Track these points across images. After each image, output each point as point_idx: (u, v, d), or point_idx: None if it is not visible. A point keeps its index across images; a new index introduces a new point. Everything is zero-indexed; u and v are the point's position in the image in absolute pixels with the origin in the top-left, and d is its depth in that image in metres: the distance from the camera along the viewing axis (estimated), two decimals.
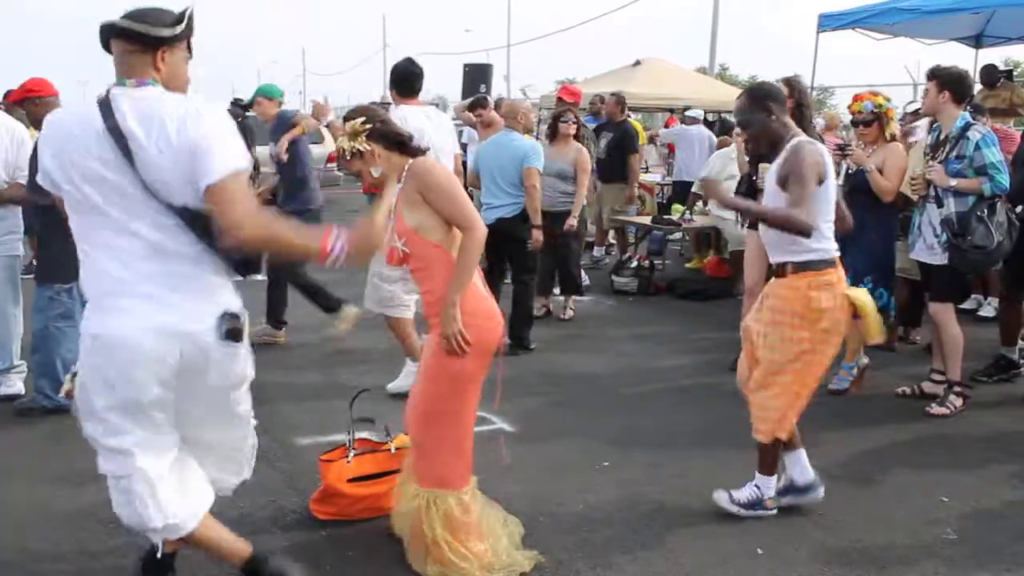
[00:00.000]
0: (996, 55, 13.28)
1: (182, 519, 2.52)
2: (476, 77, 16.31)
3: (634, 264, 8.21)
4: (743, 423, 3.55)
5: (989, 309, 6.85)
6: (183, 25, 2.41)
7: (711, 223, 8.30)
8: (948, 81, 4.67)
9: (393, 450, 3.45)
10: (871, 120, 5.00)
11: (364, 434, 3.53)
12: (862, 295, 3.41)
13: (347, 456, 3.40)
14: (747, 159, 5.51)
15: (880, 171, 4.91)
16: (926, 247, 4.85)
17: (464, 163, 6.49)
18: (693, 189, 8.98)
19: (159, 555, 2.64)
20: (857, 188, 4.90)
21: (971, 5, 8.00)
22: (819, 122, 8.90)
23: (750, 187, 5.21)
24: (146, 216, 2.35)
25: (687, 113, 11.14)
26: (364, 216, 2.56)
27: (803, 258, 3.30)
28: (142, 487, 2.45)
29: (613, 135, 8.73)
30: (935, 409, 4.77)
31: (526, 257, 6.00)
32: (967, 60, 9.87)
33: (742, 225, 5.80)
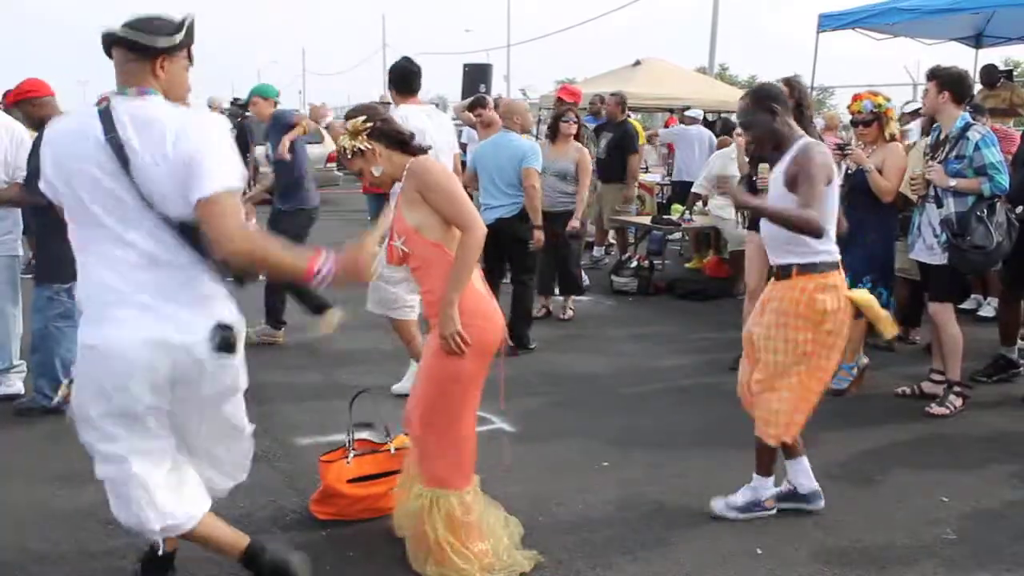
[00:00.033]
0: (996, 55, 13.30)
1: (181, 520, 2.52)
2: (476, 77, 16.33)
3: (634, 264, 8.21)
4: (743, 423, 3.55)
5: (989, 309, 6.85)
6: (183, 34, 2.42)
7: (711, 223, 8.30)
8: (948, 81, 4.68)
9: (393, 451, 3.45)
10: (871, 120, 4.99)
11: (364, 434, 3.53)
12: (863, 294, 3.41)
13: (347, 457, 3.40)
14: (747, 159, 5.51)
15: (880, 171, 4.90)
16: (926, 247, 4.85)
17: (463, 163, 6.49)
18: (693, 189, 8.96)
19: (160, 553, 2.65)
20: (857, 188, 4.89)
21: (971, 5, 7.99)
22: (819, 122, 8.89)
23: (750, 187, 5.19)
24: (142, 226, 2.35)
25: (687, 113, 11.15)
26: (354, 241, 2.54)
27: (808, 260, 3.29)
28: (139, 492, 2.45)
29: (613, 135, 8.72)
30: (935, 409, 4.77)
31: (526, 257, 5.99)
32: (967, 60, 9.89)
33: (742, 225, 5.80)
